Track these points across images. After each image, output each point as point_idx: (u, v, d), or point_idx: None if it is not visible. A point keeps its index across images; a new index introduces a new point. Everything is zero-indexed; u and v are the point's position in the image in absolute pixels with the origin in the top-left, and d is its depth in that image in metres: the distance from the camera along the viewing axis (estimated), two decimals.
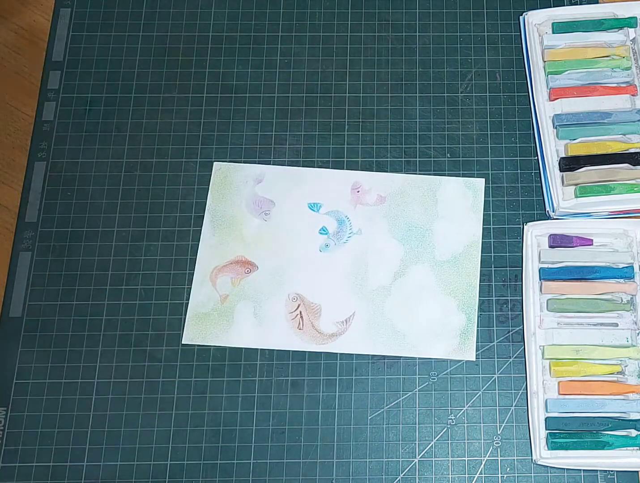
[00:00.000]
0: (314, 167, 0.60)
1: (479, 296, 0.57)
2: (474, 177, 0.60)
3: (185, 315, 0.57)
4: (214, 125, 0.61)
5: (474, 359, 0.56)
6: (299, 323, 0.56)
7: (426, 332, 0.56)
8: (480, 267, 0.58)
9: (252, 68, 0.63)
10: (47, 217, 0.59)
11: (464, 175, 0.60)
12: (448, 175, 0.60)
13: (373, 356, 0.56)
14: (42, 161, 0.61)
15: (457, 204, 0.59)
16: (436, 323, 0.56)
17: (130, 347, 0.56)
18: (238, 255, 0.58)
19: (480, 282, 0.57)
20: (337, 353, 0.56)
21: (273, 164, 0.60)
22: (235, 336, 0.56)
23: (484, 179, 0.60)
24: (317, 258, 0.58)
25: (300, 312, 0.56)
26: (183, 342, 0.56)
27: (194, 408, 0.55)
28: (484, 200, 0.59)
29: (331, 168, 0.60)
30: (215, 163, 0.60)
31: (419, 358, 0.56)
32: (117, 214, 0.59)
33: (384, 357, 0.55)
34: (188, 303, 0.57)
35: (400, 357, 0.55)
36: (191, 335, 0.56)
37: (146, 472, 0.53)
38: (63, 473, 0.53)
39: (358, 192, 0.59)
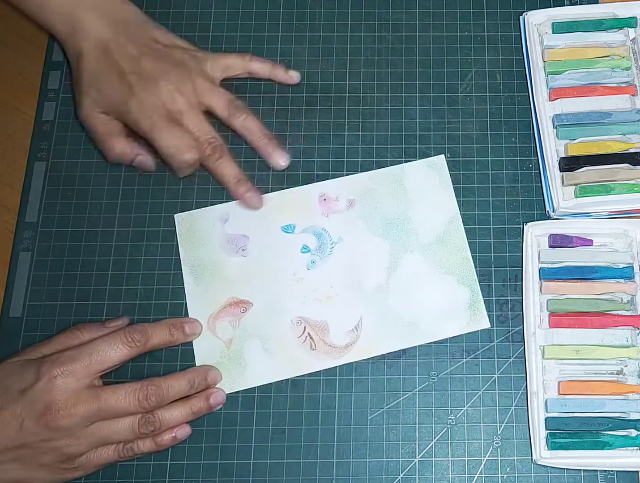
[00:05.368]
0: (315, 169, 0.60)
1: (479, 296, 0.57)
2: (473, 176, 0.60)
3: (186, 315, 0.57)
4: (213, 126, 0.61)
5: (489, 326, 0.56)
6: (311, 344, 0.56)
7: (435, 315, 0.56)
8: (468, 240, 0.58)
9: None
10: (47, 217, 0.59)
11: (463, 175, 0.60)
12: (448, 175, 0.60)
13: (372, 356, 0.56)
14: (42, 161, 0.61)
15: (425, 186, 0.59)
16: (442, 303, 0.56)
17: None
18: (229, 298, 0.57)
19: (480, 281, 0.57)
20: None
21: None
22: (251, 377, 0.55)
23: (442, 155, 0.60)
24: (308, 277, 0.57)
25: (309, 334, 0.56)
26: None
27: None
28: (450, 175, 0.60)
29: (331, 170, 0.60)
30: (176, 216, 0.59)
31: (434, 343, 0.55)
32: (117, 214, 0.59)
33: (384, 356, 0.55)
34: (188, 310, 0.57)
35: (417, 346, 0.55)
36: None
37: (146, 472, 0.53)
38: None
39: (325, 200, 0.59)
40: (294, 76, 0.61)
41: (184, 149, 0.56)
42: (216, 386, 0.54)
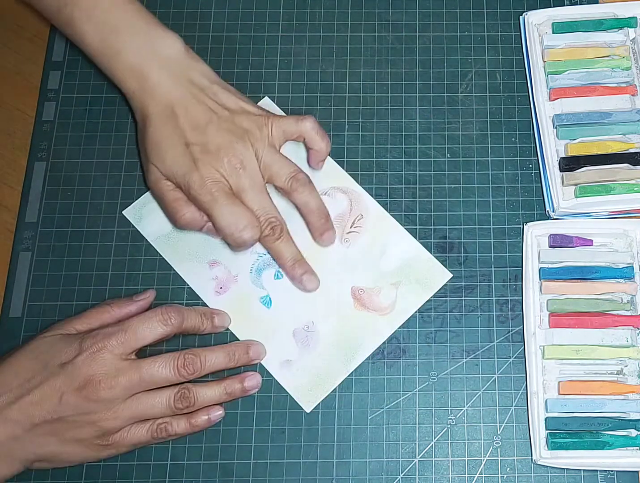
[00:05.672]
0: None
1: (479, 296, 0.57)
2: (475, 174, 0.60)
3: None
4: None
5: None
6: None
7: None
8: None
9: (252, 68, 0.63)
10: (47, 217, 0.59)
11: (463, 175, 0.60)
12: (448, 175, 0.60)
13: (373, 356, 0.56)
14: (42, 161, 0.61)
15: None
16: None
17: None
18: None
19: (480, 281, 0.57)
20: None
21: None
22: None
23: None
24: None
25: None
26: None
27: None
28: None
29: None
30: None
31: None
32: (117, 214, 0.59)
33: (384, 356, 0.56)
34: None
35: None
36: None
37: (146, 472, 0.53)
38: (62, 474, 0.53)
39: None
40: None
41: (242, 228, 0.53)
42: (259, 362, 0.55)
